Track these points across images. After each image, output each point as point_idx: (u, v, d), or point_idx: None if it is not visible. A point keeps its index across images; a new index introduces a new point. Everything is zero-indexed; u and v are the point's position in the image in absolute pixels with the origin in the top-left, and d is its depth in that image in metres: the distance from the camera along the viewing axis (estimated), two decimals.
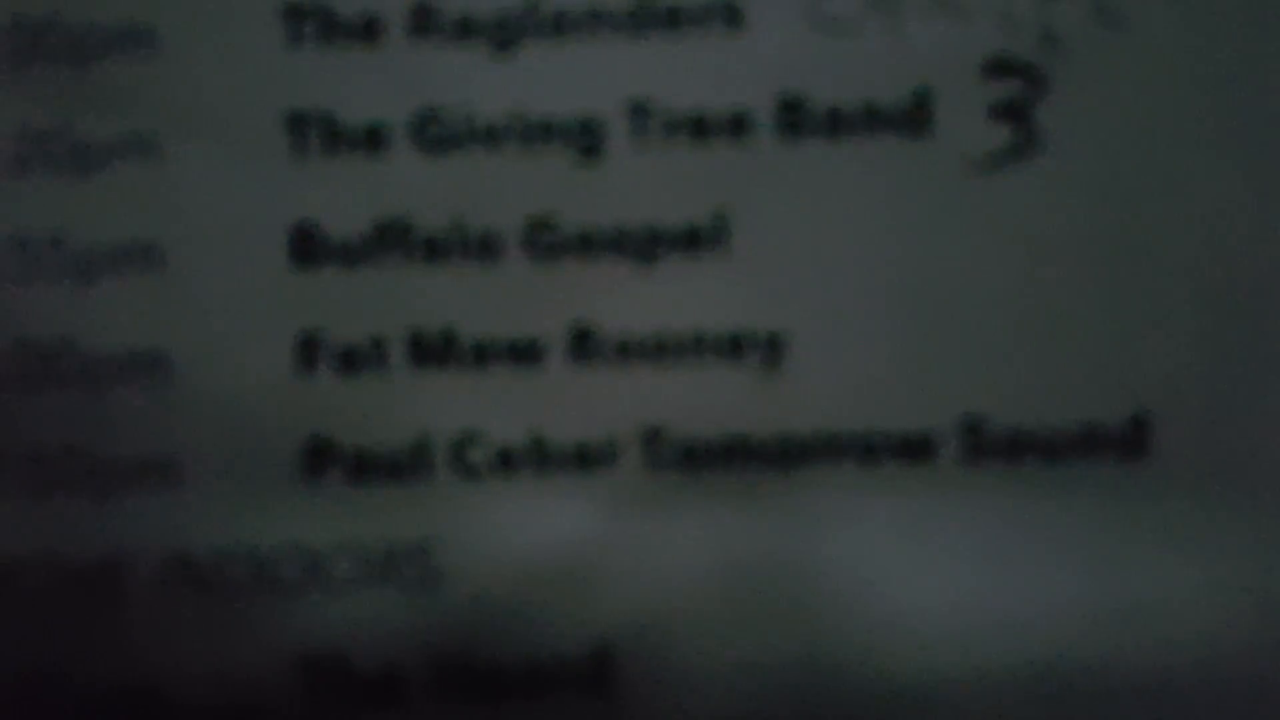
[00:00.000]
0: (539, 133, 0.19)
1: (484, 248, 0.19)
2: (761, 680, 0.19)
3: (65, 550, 0.19)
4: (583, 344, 0.19)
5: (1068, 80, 0.19)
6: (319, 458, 0.19)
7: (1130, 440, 0.19)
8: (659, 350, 0.19)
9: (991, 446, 0.19)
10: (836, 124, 0.19)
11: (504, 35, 0.19)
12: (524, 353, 0.19)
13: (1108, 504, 0.19)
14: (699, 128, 0.19)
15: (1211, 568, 0.19)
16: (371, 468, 0.19)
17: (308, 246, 0.19)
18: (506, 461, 0.19)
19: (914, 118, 0.19)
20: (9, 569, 0.19)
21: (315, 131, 0.19)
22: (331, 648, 0.19)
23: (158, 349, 0.19)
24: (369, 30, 0.19)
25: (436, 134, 0.19)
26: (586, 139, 0.19)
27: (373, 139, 0.19)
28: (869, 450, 0.19)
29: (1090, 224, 0.19)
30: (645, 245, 0.19)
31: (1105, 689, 0.19)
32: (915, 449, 0.19)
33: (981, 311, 0.19)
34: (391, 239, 0.19)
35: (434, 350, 0.19)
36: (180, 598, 0.19)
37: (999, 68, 0.19)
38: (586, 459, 0.19)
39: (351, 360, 0.19)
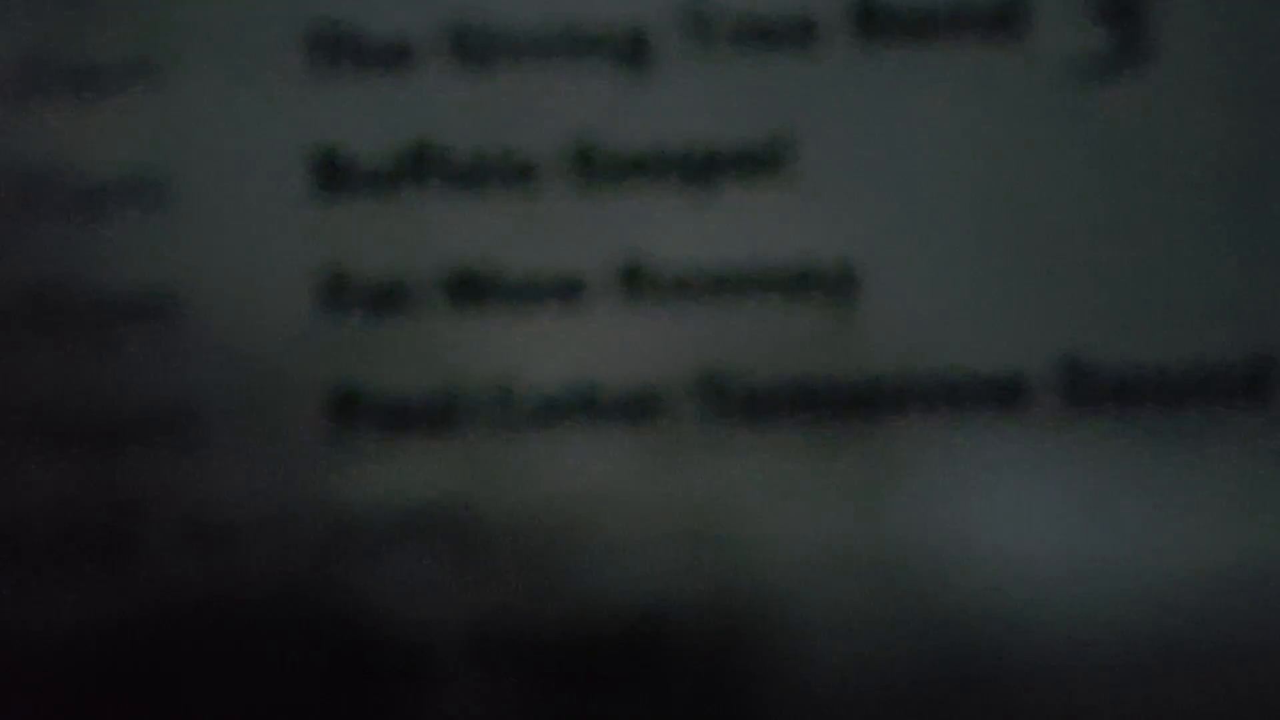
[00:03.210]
0: (583, 44, 0.18)
1: (524, 174, 0.18)
2: (839, 639, 0.18)
3: (76, 504, 0.19)
4: (633, 280, 0.18)
5: None
6: (346, 407, 0.18)
7: (1252, 383, 0.18)
8: (718, 286, 0.18)
9: (1095, 390, 0.18)
10: (917, 26, 0.18)
11: None
12: (569, 290, 0.18)
13: (1225, 453, 0.18)
14: (760, 34, 0.18)
15: None
16: (403, 418, 0.18)
17: (330, 174, 0.18)
18: (550, 411, 0.18)
19: (1006, 18, 0.18)
20: (18, 520, 0.18)
21: (336, 46, 0.18)
22: (362, 611, 0.18)
23: (167, 289, 0.18)
24: None
25: (470, 47, 0.18)
26: (635, 50, 0.18)
27: (400, 53, 0.18)
28: (956, 395, 0.18)
29: (1208, 142, 0.18)
30: (702, 169, 0.18)
31: (1217, 650, 0.18)
32: (1009, 393, 0.18)
33: (1083, 239, 0.18)
34: (423, 165, 0.18)
35: (471, 288, 0.18)
36: (199, 555, 0.18)
37: None
38: (638, 408, 0.18)
39: (380, 300, 0.18)
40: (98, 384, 0.18)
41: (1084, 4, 0.18)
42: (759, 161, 0.18)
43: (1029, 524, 0.18)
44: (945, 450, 0.18)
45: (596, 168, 0.18)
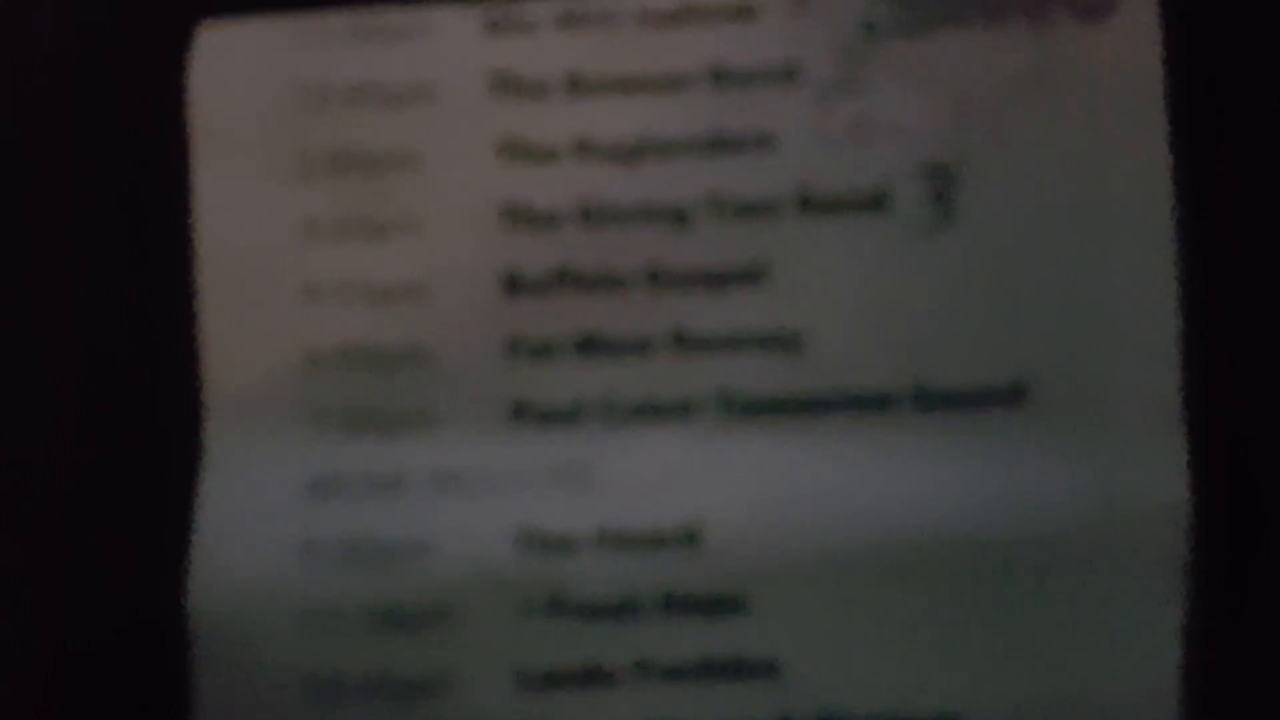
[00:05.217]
0: (655, 213, 0.30)
1: (620, 283, 0.30)
2: (796, 543, 0.30)
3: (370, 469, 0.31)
4: (680, 341, 0.30)
5: (976, 176, 0.30)
6: (520, 413, 0.30)
7: (1012, 396, 0.29)
8: (727, 343, 0.29)
9: (931, 402, 0.30)
10: (833, 206, 0.30)
11: (632, 155, 0.31)
12: (643, 348, 0.29)
13: (996, 440, 0.29)
14: (749, 210, 0.30)
15: (1071, 478, 0.28)
16: (552, 417, 0.30)
17: (513, 286, 0.30)
18: (636, 414, 0.30)
19: (879, 200, 0.29)
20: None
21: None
22: (527, 527, 0.31)
23: (421, 345, 0.31)
24: None
25: (594, 222, 0.31)
26: (680, 218, 0.30)
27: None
28: (851, 405, 0.30)
29: (992, 260, 0.29)
30: (718, 280, 0.29)
31: (996, 559, 0.28)
32: (880, 404, 0.30)
33: (925, 315, 0.29)
34: (563, 280, 0.30)
35: (591, 346, 0.30)
36: (435, 503, 0.31)
37: (930, 169, 0.30)
38: (683, 412, 0.29)
39: (540, 353, 0.30)
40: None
41: (920, 192, 0.29)
42: (749, 275, 0.30)
43: (890, 479, 0.29)
44: (845, 439, 0.29)
45: (661, 279, 0.30)
